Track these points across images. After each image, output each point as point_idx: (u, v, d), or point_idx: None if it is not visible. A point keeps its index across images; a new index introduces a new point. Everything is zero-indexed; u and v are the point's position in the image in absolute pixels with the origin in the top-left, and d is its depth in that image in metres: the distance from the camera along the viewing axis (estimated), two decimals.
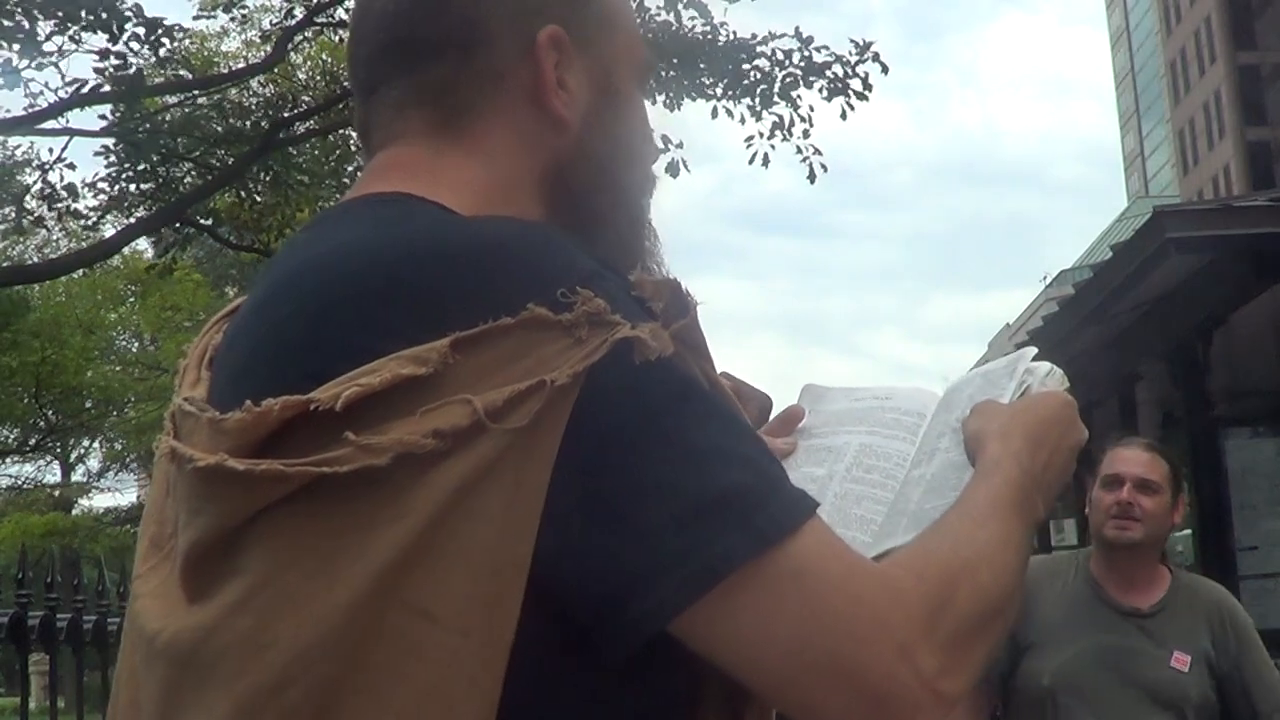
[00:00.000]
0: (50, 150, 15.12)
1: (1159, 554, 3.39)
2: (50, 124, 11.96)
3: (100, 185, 13.18)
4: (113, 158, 12.84)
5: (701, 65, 12.28)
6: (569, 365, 0.86)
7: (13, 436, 28.42)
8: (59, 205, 12.99)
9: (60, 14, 10.19)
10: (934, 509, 1.11)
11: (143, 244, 20.22)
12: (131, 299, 28.03)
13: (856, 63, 12.34)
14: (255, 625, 0.85)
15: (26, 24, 10.09)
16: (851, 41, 12.44)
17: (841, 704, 0.87)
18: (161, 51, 11.33)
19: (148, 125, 12.59)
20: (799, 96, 12.42)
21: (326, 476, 0.85)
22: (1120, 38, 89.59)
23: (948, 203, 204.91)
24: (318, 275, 0.94)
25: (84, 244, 21.02)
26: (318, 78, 15.30)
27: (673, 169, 11.97)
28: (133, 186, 13.29)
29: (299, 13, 13.33)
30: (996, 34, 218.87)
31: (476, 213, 0.98)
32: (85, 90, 11.23)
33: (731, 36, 12.43)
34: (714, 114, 12.42)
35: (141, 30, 10.70)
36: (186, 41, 14.04)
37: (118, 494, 32.71)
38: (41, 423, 27.44)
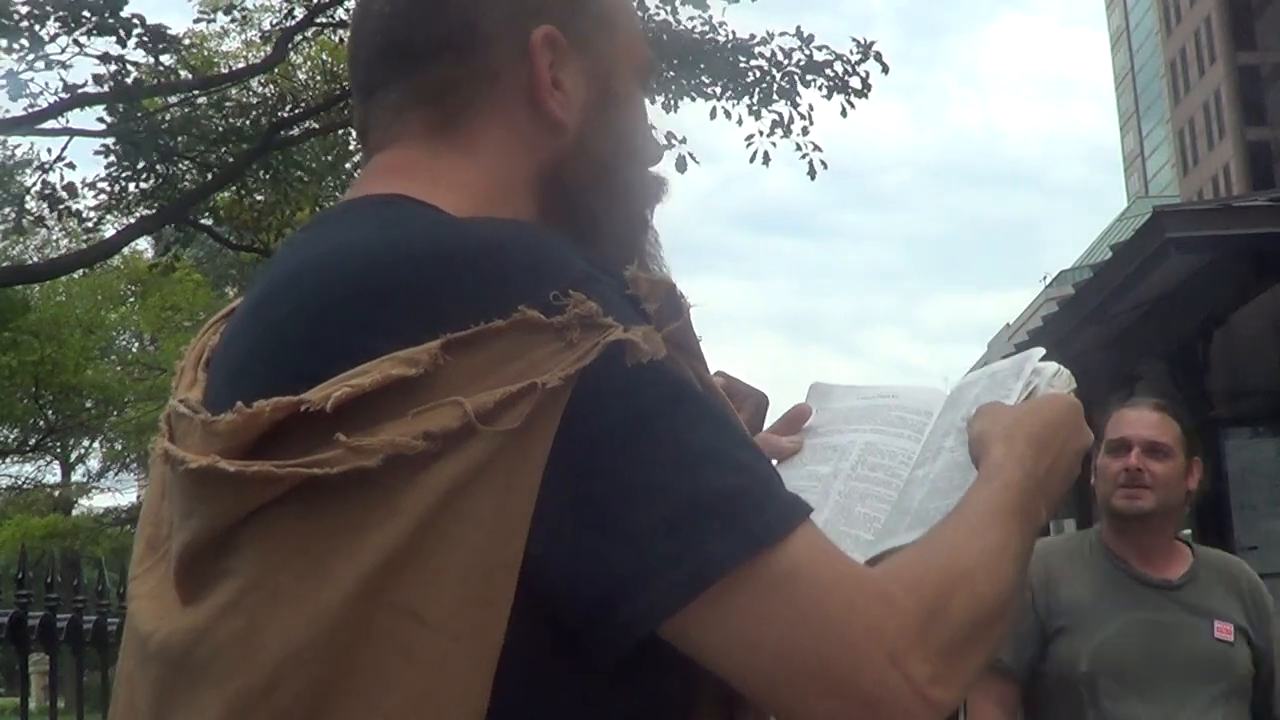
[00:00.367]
0: (50, 150, 15.12)
1: (1175, 525, 3.16)
2: (50, 124, 11.97)
3: (100, 185, 13.19)
4: (112, 157, 12.85)
5: (700, 65, 12.28)
6: (560, 368, 0.86)
7: (13, 436, 28.42)
8: (59, 205, 12.99)
9: (65, 15, 10.19)
10: (937, 509, 1.11)
11: (143, 244, 20.27)
12: (131, 299, 28.04)
13: (857, 62, 12.35)
14: (246, 626, 0.86)
15: (28, 25, 10.09)
16: (853, 40, 12.46)
17: (832, 710, 0.86)
18: (164, 59, 11.36)
19: (147, 124, 12.59)
20: (798, 95, 12.43)
21: (317, 478, 0.85)
22: (1120, 38, 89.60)
23: (948, 203, 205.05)
24: (313, 276, 0.94)
25: (84, 244, 21.03)
26: (318, 78, 15.30)
27: (680, 164, 11.96)
28: (132, 185, 13.29)
29: (299, 13, 13.34)
30: (996, 34, 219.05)
31: (473, 214, 0.98)
32: (84, 91, 11.24)
33: (731, 36, 12.43)
34: (713, 114, 12.43)
35: (146, 39, 10.72)
36: (186, 43, 14.02)
37: (118, 494, 32.72)
38: (41, 423, 27.44)
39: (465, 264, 0.90)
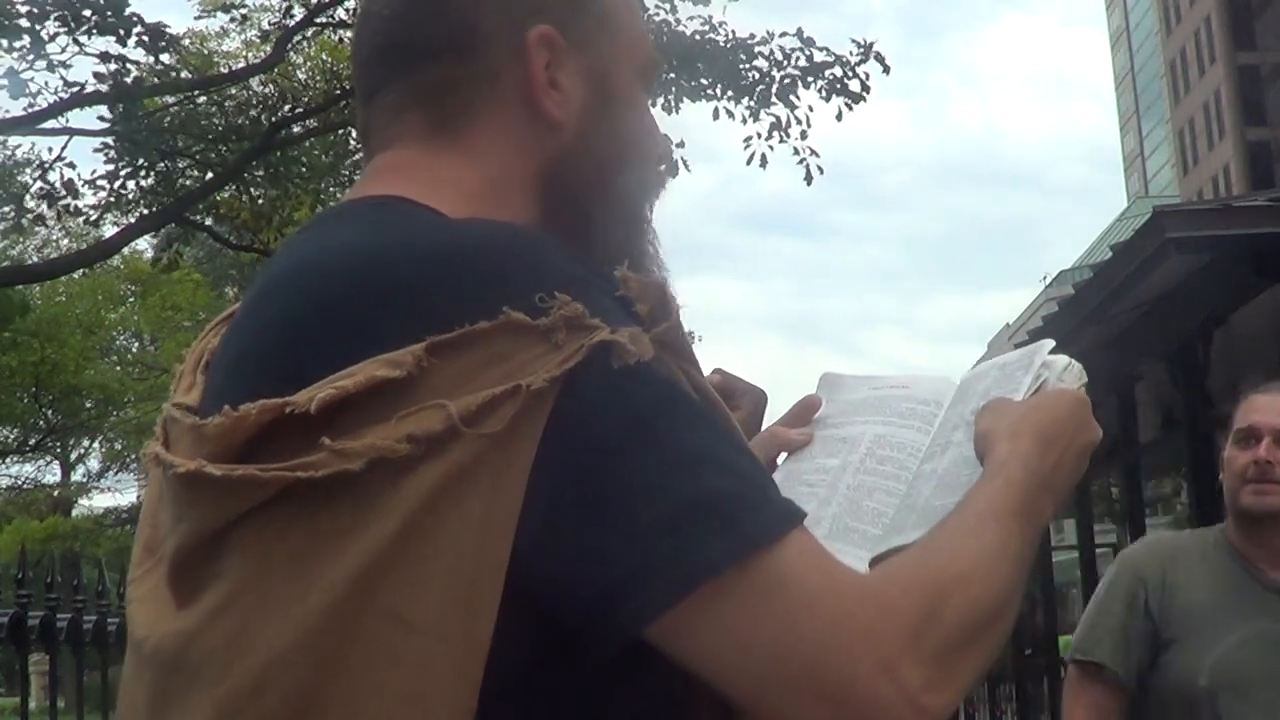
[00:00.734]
0: (50, 150, 15.11)
1: None
2: (50, 124, 11.97)
3: (100, 182, 13.20)
4: (112, 154, 12.85)
5: (700, 65, 12.28)
6: (545, 370, 0.86)
7: (13, 436, 28.42)
8: (59, 204, 13.00)
9: (65, 14, 10.20)
10: (943, 506, 1.10)
11: (143, 244, 20.24)
12: (131, 299, 28.03)
13: (858, 63, 12.35)
14: (235, 629, 0.86)
15: (28, 24, 10.09)
16: (853, 41, 12.45)
17: (822, 717, 0.86)
18: (164, 58, 11.35)
19: (146, 124, 12.59)
20: (797, 97, 12.43)
21: (302, 481, 0.85)
22: (1120, 38, 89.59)
23: (947, 203, 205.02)
24: (302, 278, 0.95)
25: (84, 244, 21.02)
26: (318, 78, 15.29)
27: (673, 168, 11.94)
28: (132, 183, 13.30)
29: (299, 13, 13.33)
30: (996, 34, 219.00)
31: (471, 214, 0.98)
32: (84, 90, 11.24)
33: (731, 36, 12.43)
34: (715, 115, 12.43)
35: (146, 38, 10.72)
36: (186, 42, 14.03)
37: (118, 494, 32.71)
38: (41, 423, 27.43)
39: (451, 266, 0.90)
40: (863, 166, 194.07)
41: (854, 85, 12.33)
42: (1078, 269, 44.76)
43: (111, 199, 13.35)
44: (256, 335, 0.95)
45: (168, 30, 10.94)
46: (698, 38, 12.33)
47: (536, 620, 0.86)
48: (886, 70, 12.42)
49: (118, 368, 28.84)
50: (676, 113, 12.39)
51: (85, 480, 32.74)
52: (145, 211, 13.36)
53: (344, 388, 0.85)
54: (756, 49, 12.37)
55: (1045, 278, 66.75)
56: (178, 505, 0.92)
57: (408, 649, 0.83)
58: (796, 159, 12.46)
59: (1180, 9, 70.01)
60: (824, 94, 12.37)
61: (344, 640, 0.83)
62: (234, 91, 14.35)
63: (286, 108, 14.14)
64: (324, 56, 15.68)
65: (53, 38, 10.47)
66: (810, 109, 12.51)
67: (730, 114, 12.48)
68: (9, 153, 17.60)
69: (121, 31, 10.53)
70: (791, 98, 12.41)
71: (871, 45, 12.39)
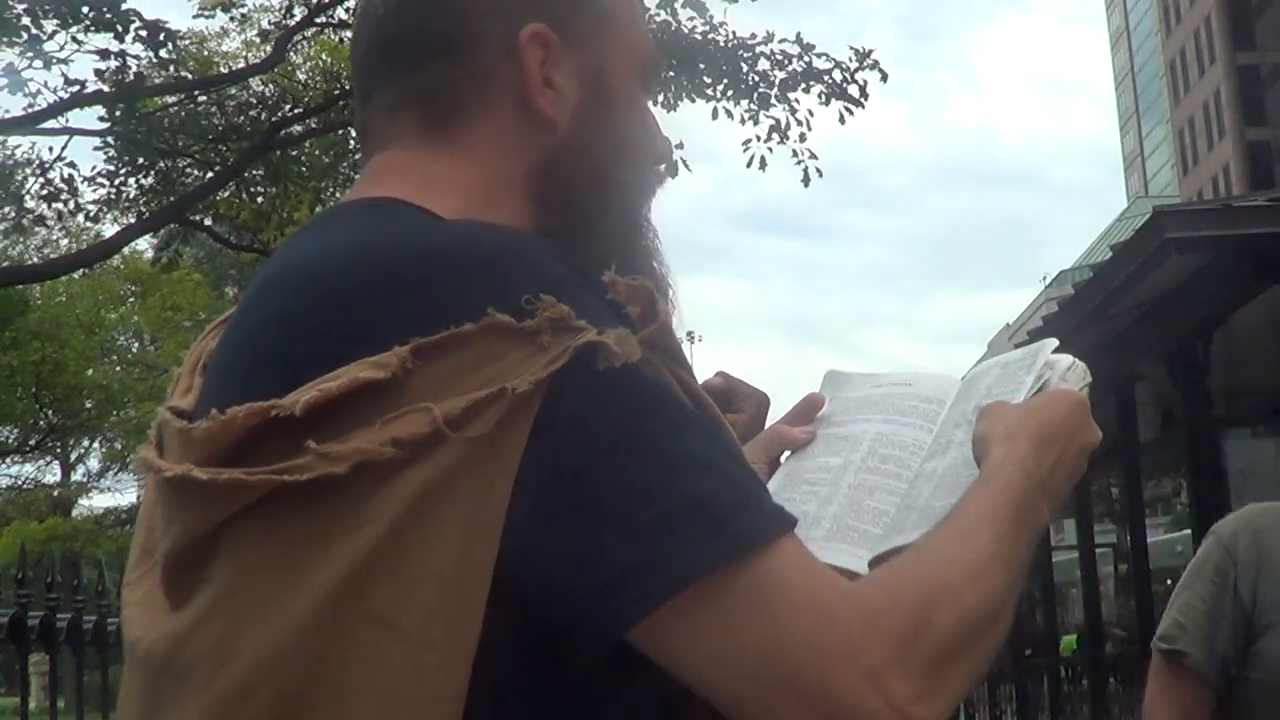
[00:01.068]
0: (50, 150, 15.09)
1: None
2: (50, 124, 11.97)
3: (100, 180, 13.20)
4: (112, 153, 12.86)
5: (701, 65, 12.28)
6: (530, 373, 0.85)
7: (13, 436, 28.42)
8: (59, 203, 13.01)
9: (64, 11, 10.20)
10: (942, 507, 1.09)
11: (143, 244, 20.25)
12: (131, 299, 28.04)
13: (856, 70, 12.35)
14: (224, 633, 0.86)
15: (28, 22, 10.10)
16: (851, 49, 12.45)
17: None
18: (163, 53, 11.35)
19: (146, 123, 12.59)
20: (796, 100, 12.44)
21: (288, 485, 0.84)
22: (1120, 38, 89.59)
23: (947, 203, 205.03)
24: (292, 281, 0.95)
25: (84, 244, 21.02)
26: (318, 78, 15.30)
27: (672, 169, 11.93)
28: (132, 182, 13.30)
29: (299, 13, 13.34)
30: (996, 34, 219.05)
31: (466, 214, 0.98)
32: (85, 90, 11.25)
33: (730, 36, 12.43)
34: (714, 115, 12.42)
35: (144, 33, 10.72)
36: (186, 42, 14.02)
37: (118, 494, 32.72)
38: (41, 423, 27.44)
39: (438, 267, 0.90)
40: (862, 167, 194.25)
41: (852, 90, 12.34)
42: (1078, 269, 44.77)
43: (112, 198, 13.36)
44: (249, 337, 0.95)
45: (166, 25, 10.94)
46: (698, 38, 12.33)
47: (524, 623, 0.86)
48: (884, 78, 12.43)
49: (118, 368, 28.85)
50: (674, 111, 12.40)
51: (85, 480, 32.78)
52: (145, 211, 13.37)
53: (328, 390, 0.85)
54: (757, 49, 12.37)
55: (1045, 278, 66.83)
56: (168, 509, 0.92)
57: (394, 652, 0.83)
58: (795, 161, 12.48)
59: (1180, 9, 70.01)
60: (823, 99, 12.38)
61: (330, 644, 0.83)
62: (234, 91, 14.36)
63: (286, 108, 14.15)
64: (324, 56, 15.69)
65: (51, 35, 10.47)
66: (810, 113, 12.52)
67: (729, 114, 12.49)
68: (9, 153, 17.59)
69: (119, 27, 10.52)
70: (791, 99, 12.41)
71: (870, 53, 12.40)
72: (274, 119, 13.61)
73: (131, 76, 11.12)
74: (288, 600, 0.84)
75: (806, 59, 12.32)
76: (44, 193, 13.04)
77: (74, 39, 10.68)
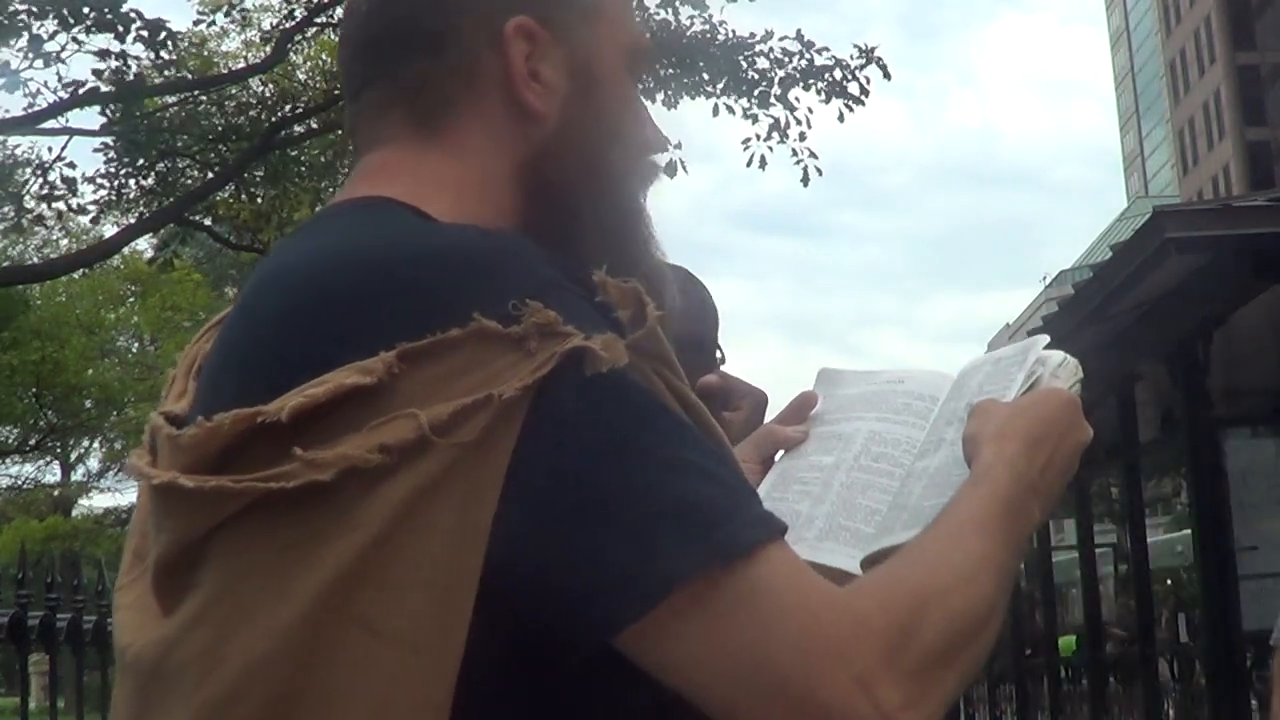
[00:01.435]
0: (50, 150, 15.07)
1: None
2: (50, 124, 11.97)
3: (100, 181, 13.21)
4: (111, 154, 12.86)
5: (701, 64, 12.29)
6: (517, 379, 0.85)
7: (13, 436, 28.43)
8: (59, 203, 13.01)
9: (64, 12, 10.20)
10: (933, 507, 1.09)
11: (143, 244, 20.22)
12: (131, 299, 28.04)
13: (859, 67, 12.35)
14: (211, 639, 0.86)
15: (27, 20, 10.10)
16: (854, 46, 12.45)
17: None
18: (163, 54, 11.35)
19: (146, 124, 12.60)
20: (796, 99, 12.44)
21: (274, 492, 0.84)
22: (1120, 38, 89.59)
23: (947, 203, 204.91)
24: (285, 284, 0.95)
25: (84, 244, 21.02)
26: (318, 78, 15.29)
27: (670, 169, 11.97)
28: (132, 182, 13.30)
29: (299, 13, 13.34)
30: (996, 34, 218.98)
31: (458, 211, 0.97)
32: (84, 90, 11.24)
33: (730, 35, 12.44)
34: (715, 111, 12.43)
35: (145, 33, 10.72)
36: (186, 43, 14.03)
37: (118, 494, 32.70)
38: (41, 423, 27.44)
39: (425, 272, 0.89)
40: (862, 166, 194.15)
41: (853, 88, 12.34)
42: (1078, 269, 44.76)
43: (112, 198, 13.36)
44: (240, 341, 0.95)
45: (167, 25, 10.93)
46: (698, 36, 12.33)
47: (513, 628, 0.85)
48: (887, 76, 12.43)
49: (118, 368, 28.85)
50: (675, 109, 12.40)
51: (85, 480, 32.78)
52: (145, 212, 13.37)
53: (314, 396, 0.85)
54: (757, 47, 12.37)
55: (1045, 278, 66.81)
56: (157, 516, 0.92)
57: (381, 659, 0.83)
58: (795, 161, 12.49)
59: (1180, 9, 70.01)
60: (823, 96, 12.38)
61: (317, 650, 0.83)
62: (234, 91, 14.35)
63: (286, 108, 14.15)
64: (324, 56, 15.67)
65: (52, 36, 10.47)
66: (810, 110, 12.52)
67: (730, 109, 12.49)
68: (9, 152, 17.59)
69: (120, 28, 10.52)
70: (791, 98, 12.41)
71: (873, 50, 12.40)
72: (274, 119, 13.62)
73: (131, 77, 11.11)
74: (275, 606, 0.84)
75: (807, 56, 12.32)
76: (44, 193, 13.05)
77: (74, 39, 10.68)
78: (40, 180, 13.14)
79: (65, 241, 25.59)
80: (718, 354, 2.07)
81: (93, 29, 10.55)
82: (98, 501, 33.40)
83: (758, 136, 12.53)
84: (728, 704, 0.85)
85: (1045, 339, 1.24)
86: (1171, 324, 8.23)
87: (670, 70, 12.20)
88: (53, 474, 32.73)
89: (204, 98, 13.80)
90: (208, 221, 15.10)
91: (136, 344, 30.83)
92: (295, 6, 13.46)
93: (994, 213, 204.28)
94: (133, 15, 10.53)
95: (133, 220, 13.45)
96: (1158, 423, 9.72)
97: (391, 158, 1.04)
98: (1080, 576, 11.17)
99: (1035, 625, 12.78)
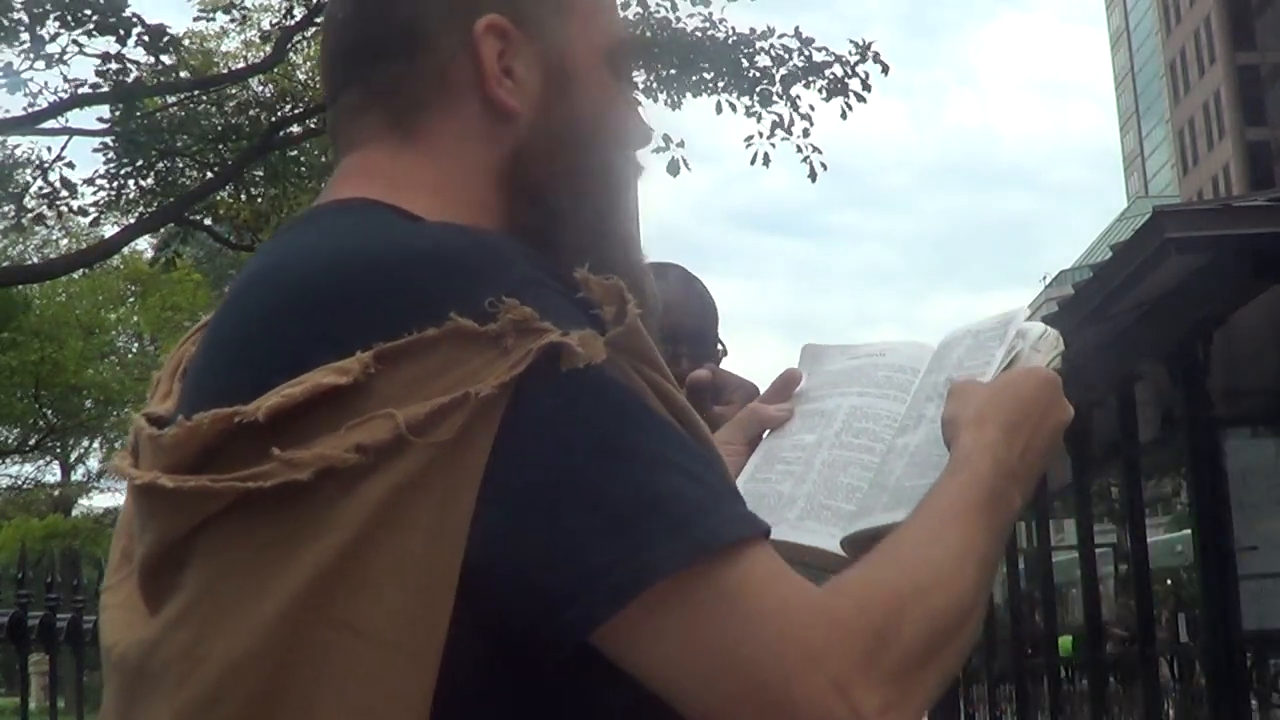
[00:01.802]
0: (50, 150, 15.07)
1: None
2: (50, 124, 11.97)
3: (99, 182, 13.20)
4: (111, 154, 12.85)
5: (703, 63, 12.29)
6: (494, 377, 0.85)
7: (13, 436, 28.43)
8: (59, 203, 13.00)
9: (65, 15, 10.20)
10: (913, 488, 1.08)
11: (143, 244, 20.25)
12: (131, 299, 28.04)
13: (856, 63, 12.35)
14: (192, 639, 0.86)
15: (28, 22, 10.10)
16: (851, 42, 12.46)
17: None
18: (165, 59, 11.36)
19: (146, 124, 12.59)
20: (798, 96, 12.45)
21: (253, 492, 0.84)
22: (1120, 38, 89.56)
23: (947, 203, 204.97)
24: (264, 284, 0.95)
25: (84, 244, 21.02)
26: (317, 78, 15.28)
27: (672, 168, 11.99)
28: (132, 182, 13.30)
29: (299, 13, 13.33)
30: (995, 34, 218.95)
31: (436, 211, 0.97)
32: (84, 90, 11.25)
33: (731, 32, 12.44)
34: (718, 109, 12.42)
35: (146, 38, 10.72)
36: (186, 42, 14.02)
37: (118, 494, 32.63)
38: (41, 423, 27.44)
39: (401, 271, 0.89)
40: (862, 166, 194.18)
41: (854, 84, 12.34)
42: (1078, 269, 44.72)
43: (111, 198, 13.35)
44: (222, 342, 0.95)
45: (168, 30, 10.95)
46: (699, 34, 12.33)
47: (492, 626, 0.85)
48: (885, 71, 12.43)
49: (118, 368, 28.85)
50: (679, 108, 12.41)
51: (85, 480, 32.78)
52: (145, 212, 13.37)
53: (291, 396, 0.85)
54: (758, 44, 12.37)
55: (1045, 278, 66.67)
56: (141, 516, 0.92)
57: (360, 658, 0.83)
58: (800, 156, 12.48)
59: (1180, 9, 69.99)
60: (824, 95, 12.38)
61: (296, 650, 0.83)
62: (234, 91, 14.35)
63: (286, 108, 14.15)
64: None
65: (53, 38, 10.47)
66: (812, 108, 12.53)
67: (733, 106, 12.48)
68: (8, 153, 17.58)
69: (121, 32, 10.53)
70: (793, 94, 12.42)
71: (870, 45, 12.40)
72: (274, 119, 13.61)
73: (131, 79, 11.12)
74: (255, 606, 0.84)
75: (806, 53, 12.32)
76: (44, 192, 13.04)
77: (75, 42, 10.69)
78: (40, 180, 13.15)
79: (65, 241, 25.60)
80: (719, 347, 2.10)
81: (94, 32, 10.55)
82: (98, 501, 33.44)
83: (760, 134, 12.54)
84: (703, 705, 0.85)
85: (1025, 311, 1.22)
86: (1171, 324, 8.23)
87: (672, 70, 12.20)
88: (53, 474, 32.75)
89: (204, 98, 13.80)
90: (208, 221, 15.11)
91: (136, 344, 30.83)
92: (295, 6, 13.45)
93: (994, 213, 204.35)
94: (134, 19, 10.54)
95: (132, 220, 13.45)
96: (1158, 423, 9.71)
97: (370, 159, 1.04)
98: (1080, 576, 11.16)
99: (1035, 625, 12.77)
